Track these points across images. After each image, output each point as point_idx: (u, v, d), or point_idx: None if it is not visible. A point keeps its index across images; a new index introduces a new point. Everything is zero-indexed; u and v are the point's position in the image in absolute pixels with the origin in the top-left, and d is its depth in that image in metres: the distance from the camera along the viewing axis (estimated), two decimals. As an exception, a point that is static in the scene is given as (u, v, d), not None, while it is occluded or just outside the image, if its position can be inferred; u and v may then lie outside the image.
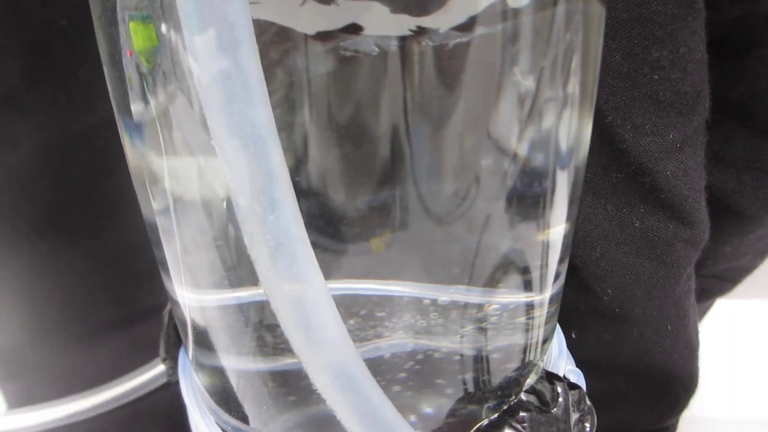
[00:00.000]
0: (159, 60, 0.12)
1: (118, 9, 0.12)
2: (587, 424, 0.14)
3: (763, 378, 0.27)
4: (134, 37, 0.12)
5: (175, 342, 0.16)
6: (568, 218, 0.14)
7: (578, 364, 0.17)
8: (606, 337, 0.19)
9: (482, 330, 0.14)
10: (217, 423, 0.14)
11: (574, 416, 0.14)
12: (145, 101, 0.13)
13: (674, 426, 0.22)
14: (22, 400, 0.21)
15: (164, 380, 0.18)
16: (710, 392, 0.27)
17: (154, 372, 0.19)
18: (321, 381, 0.12)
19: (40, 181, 0.18)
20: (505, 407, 0.13)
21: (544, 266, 0.14)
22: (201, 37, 0.10)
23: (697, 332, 0.20)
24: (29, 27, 0.15)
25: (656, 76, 0.15)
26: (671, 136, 0.16)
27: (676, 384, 0.20)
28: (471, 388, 0.14)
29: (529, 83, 0.12)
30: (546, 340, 0.15)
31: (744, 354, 0.29)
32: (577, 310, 0.19)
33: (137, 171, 0.14)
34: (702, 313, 0.27)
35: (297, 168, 0.12)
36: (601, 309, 0.19)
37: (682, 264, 0.18)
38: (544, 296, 0.14)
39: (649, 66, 0.15)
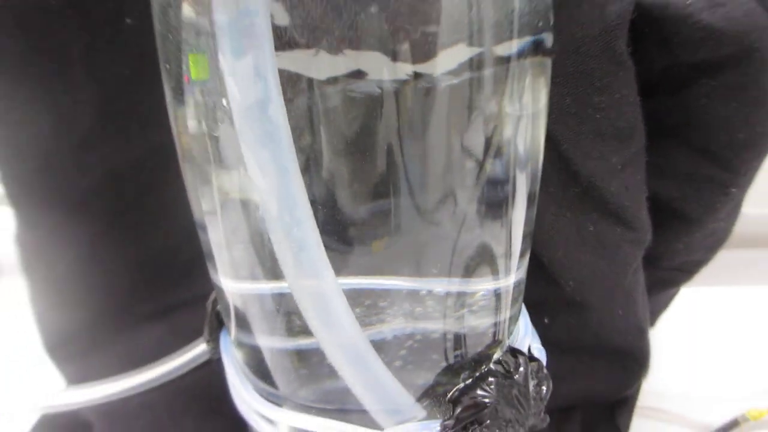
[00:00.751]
0: (210, 88, 0.15)
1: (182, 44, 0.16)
2: (543, 388, 0.17)
3: (714, 359, 0.31)
4: (192, 67, 0.16)
5: (217, 327, 0.19)
6: (527, 222, 0.17)
7: (551, 345, 0.20)
8: (571, 322, 0.23)
9: (461, 314, 0.17)
10: (254, 389, 0.18)
11: (533, 382, 0.17)
12: (198, 121, 0.16)
13: (635, 396, 0.26)
14: (79, 378, 0.25)
15: (203, 360, 0.22)
16: (666, 368, 0.30)
17: (193, 353, 0.22)
18: (334, 357, 0.16)
19: (99, 187, 0.21)
20: (477, 375, 0.17)
21: (507, 261, 0.17)
22: (235, 78, 0.13)
23: (646, 316, 0.24)
24: (100, 80, 0.18)
25: (598, 116, 0.19)
26: (614, 160, 0.20)
27: (631, 360, 0.24)
28: (451, 361, 0.17)
29: (494, 115, 0.16)
30: (512, 322, 0.18)
31: (699, 336, 0.32)
32: (547, 300, 0.22)
33: (191, 181, 0.17)
34: (669, 299, 0.31)
35: (312, 185, 0.16)
36: (566, 299, 0.22)
37: (628, 261, 0.22)
38: (508, 285, 0.17)
39: (592, 108, 0.18)
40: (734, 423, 0.28)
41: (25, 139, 0.19)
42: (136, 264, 0.23)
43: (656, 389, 0.28)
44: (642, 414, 0.27)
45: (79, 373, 0.25)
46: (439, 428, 0.16)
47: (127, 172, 0.21)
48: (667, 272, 0.28)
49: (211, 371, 0.22)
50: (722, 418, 0.28)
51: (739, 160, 0.21)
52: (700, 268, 0.28)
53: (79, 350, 0.25)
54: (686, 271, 0.28)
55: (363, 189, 0.16)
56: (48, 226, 0.21)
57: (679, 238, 0.24)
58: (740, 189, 0.22)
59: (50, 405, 0.23)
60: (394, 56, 0.14)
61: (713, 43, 0.19)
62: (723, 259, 0.28)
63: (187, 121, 0.16)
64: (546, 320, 0.23)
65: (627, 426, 0.26)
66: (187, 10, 0.15)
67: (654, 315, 0.32)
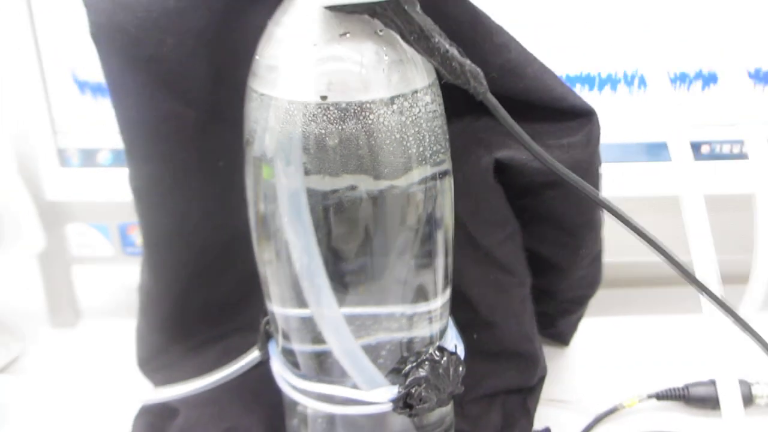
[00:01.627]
0: (270, 189, 0.28)
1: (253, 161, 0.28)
2: (460, 369, 0.30)
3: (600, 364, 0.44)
4: (264, 175, 0.28)
5: (266, 340, 0.32)
6: (445, 271, 0.30)
7: (479, 353, 0.33)
8: (487, 336, 0.35)
9: (410, 326, 0.30)
10: (289, 372, 0.30)
11: (452, 366, 0.30)
12: (266, 203, 0.29)
13: (539, 387, 0.38)
14: (163, 383, 0.37)
15: (254, 363, 0.34)
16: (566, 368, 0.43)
17: (247, 360, 0.34)
18: (338, 352, 0.28)
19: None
20: (419, 361, 0.29)
21: (434, 293, 0.30)
22: (285, 179, 0.26)
23: (534, 330, 0.36)
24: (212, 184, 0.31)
25: (485, 213, 0.32)
26: (499, 236, 0.33)
27: (527, 360, 0.36)
28: (405, 354, 0.30)
29: (423, 208, 0.28)
30: (442, 331, 0.31)
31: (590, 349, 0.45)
32: (473, 322, 0.35)
33: (257, 245, 0.30)
34: (575, 323, 0.44)
35: (324, 250, 0.28)
36: (483, 320, 0.35)
37: (516, 295, 0.34)
38: (436, 308, 0.30)
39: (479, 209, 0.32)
40: (613, 409, 0.40)
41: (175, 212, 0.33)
42: (209, 303, 0.36)
43: (557, 382, 0.41)
44: (545, 402, 0.39)
45: (163, 380, 0.37)
46: (397, 390, 0.28)
47: (221, 240, 0.34)
48: (565, 304, 0.41)
49: (256, 375, 0.34)
50: (605, 407, 0.40)
51: (581, 234, 0.34)
52: (586, 301, 0.41)
53: (163, 363, 0.37)
54: (577, 303, 0.41)
55: (352, 252, 0.28)
56: (167, 273, 0.34)
57: (561, 281, 0.37)
58: (588, 249, 0.35)
59: (150, 398, 0.36)
60: (374, 177, 0.27)
61: (541, 174, 0.32)
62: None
63: (258, 207, 0.29)
64: (474, 336, 0.35)
65: (534, 409, 0.38)
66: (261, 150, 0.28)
67: (566, 335, 0.45)
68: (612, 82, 0.42)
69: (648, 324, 0.47)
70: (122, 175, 0.42)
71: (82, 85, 0.44)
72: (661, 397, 0.40)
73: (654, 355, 0.41)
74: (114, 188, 0.45)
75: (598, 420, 0.39)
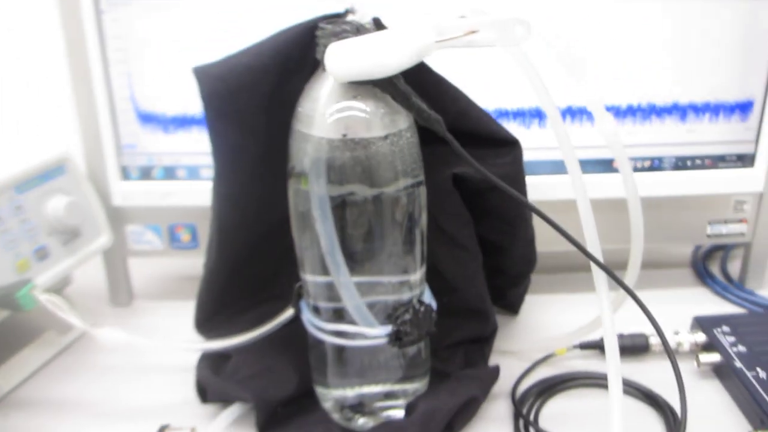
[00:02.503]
0: (306, 193, 0.42)
1: (293, 177, 0.42)
2: (433, 315, 0.44)
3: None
4: (302, 185, 0.42)
5: (298, 300, 0.45)
6: (421, 252, 0.44)
7: (447, 311, 0.47)
8: (452, 298, 0.49)
9: (401, 289, 0.43)
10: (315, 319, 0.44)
11: (428, 313, 0.44)
12: (303, 204, 0.42)
13: (492, 338, 0.52)
14: (215, 338, 0.50)
15: (290, 319, 0.47)
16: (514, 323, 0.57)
17: (284, 317, 0.47)
18: (349, 303, 0.42)
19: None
20: (405, 309, 0.43)
21: (415, 267, 0.44)
22: (316, 187, 0.40)
23: (486, 293, 0.50)
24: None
25: (448, 210, 0.46)
26: (459, 225, 0.47)
27: (482, 316, 0.50)
28: (395, 306, 0.43)
29: (406, 208, 0.42)
30: (421, 293, 0.45)
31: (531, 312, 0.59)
32: (442, 289, 0.48)
33: (296, 233, 0.43)
34: (522, 293, 0.58)
35: (339, 236, 0.42)
36: (449, 287, 0.49)
37: (471, 268, 0.48)
38: (416, 277, 0.44)
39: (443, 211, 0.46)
40: (548, 356, 0.54)
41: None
42: (252, 277, 0.50)
43: (507, 339, 0.55)
44: (497, 352, 0.53)
45: (215, 336, 0.50)
46: (390, 328, 0.42)
47: (265, 230, 0.47)
48: (511, 278, 0.55)
49: (286, 331, 0.47)
50: (542, 354, 0.54)
51: (515, 223, 0.49)
52: (527, 275, 0.55)
53: (217, 323, 0.51)
54: (520, 276, 0.55)
55: (359, 237, 0.42)
56: (226, 253, 0.48)
57: (506, 259, 0.52)
58: (525, 232, 0.50)
59: (209, 347, 0.49)
60: (367, 185, 0.41)
61: (484, 183, 0.46)
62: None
63: (297, 207, 0.43)
64: (444, 299, 0.49)
65: (488, 355, 0.52)
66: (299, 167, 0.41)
67: (515, 305, 0.59)
68: (540, 115, 0.57)
69: (573, 299, 0.61)
70: (171, 187, 0.57)
71: (142, 116, 0.58)
72: (583, 346, 0.54)
73: (577, 318, 0.54)
74: (164, 197, 0.59)
75: (536, 363, 0.53)
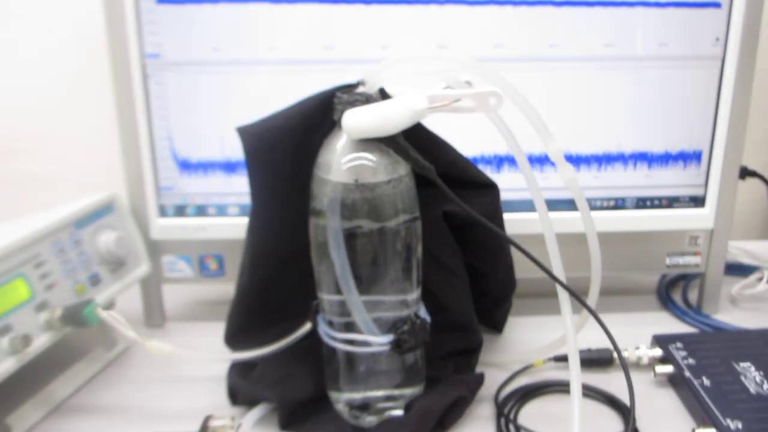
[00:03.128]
0: (323, 225, 0.51)
1: (314, 214, 0.52)
2: (427, 327, 0.53)
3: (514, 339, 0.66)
4: (321, 220, 0.52)
5: (315, 315, 0.54)
6: (417, 275, 0.53)
7: (439, 327, 0.56)
8: (443, 316, 0.58)
9: (401, 306, 0.53)
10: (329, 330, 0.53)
11: (423, 326, 0.53)
12: (321, 235, 0.52)
13: (478, 351, 0.61)
14: (243, 350, 0.59)
15: (307, 332, 0.56)
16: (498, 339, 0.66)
17: (302, 331, 0.56)
18: (358, 318, 0.51)
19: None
20: (405, 323, 0.52)
21: (412, 287, 0.53)
22: (332, 222, 0.49)
23: (472, 312, 0.59)
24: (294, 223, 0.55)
25: (439, 236, 0.56)
26: (448, 253, 0.57)
27: (469, 332, 0.59)
28: (396, 320, 0.53)
29: (406, 240, 0.52)
30: (417, 309, 0.54)
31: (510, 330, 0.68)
32: (434, 306, 0.58)
33: (315, 258, 0.53)
34: (505, 312, 0.67)
35: (351, 263, 0.51)
36: (441, 305, 0.58)
37: (459, 290, 0.57)
38: (414, 296, 0.53)
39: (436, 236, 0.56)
40: (526, 367, 0.63)
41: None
42: (276, 297, 0.59)
43: (491, 352, 0.64)
44: (482, 364, 0.62)
45: (242, 348, 0.59)
46: (392, 337, 0.51)
47: (292, 253, 0.56)
48: (495, 300, 0.65)
49: (304, 343, 0.56)
50: (521, 366, 0.63)
51: (495, 253, 0.58)
52: (509, 297, 0.65)
53: (244, 337, 0.60)
54: (503, 298, 0.65)
55: (366, 264, 0.51)
56: (256, 276, 0.57)
57: (489, 283, 0.61)
58: (504, 260, 0.59)
59: (241, 357, 0.58)
60: (373, 220, 0.51)
61: (469, 219, 0.55)
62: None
63: (317, 238, 0.52)
64: (437, 317, 0.58)
65: (475, 365, 0.61)
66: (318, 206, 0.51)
67: (499, 324, 0.68)
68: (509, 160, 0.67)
69: (550, 320, 0.70)
70: (202, 223, 0.66)
71: (180, 163, 0.68)
72: (557, 359, 0.63)
73: (553, 336, 0.63)
74: (196, 231, 0.69)
75: (516, 373, 0.62)
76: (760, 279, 0.76)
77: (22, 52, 0.89)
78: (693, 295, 0.78)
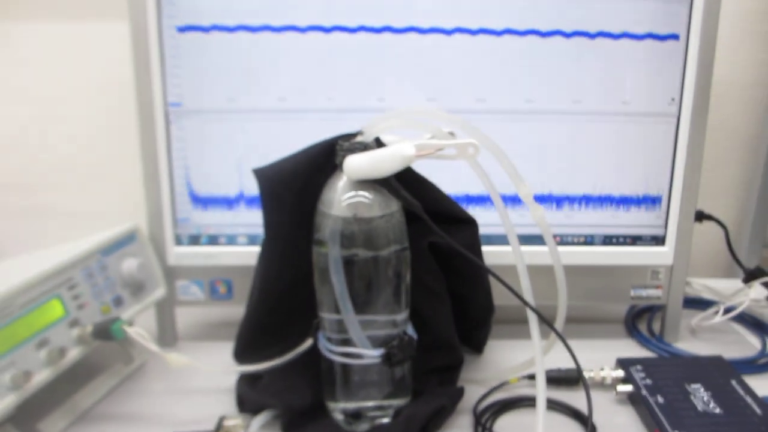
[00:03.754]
0: (325, 254, 0.60)
1: (317, 243, 0.60)
2: (414, 343, 0.61)
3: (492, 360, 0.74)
4: (323, 249, 0.60)
5: (316, 331, 0.62)
6: (406, 299, 0.61)
7: (422, 347, 0.64)
8: (428, 335, 0.66)
9: (391, 325, 0.61)
10: (328, 344, 0.61)
11: (410, 342, 0.61)
12: (323, 262, 0.60)
13: (460, 366, 0.69)
14: (251, 364, 0.67)
15: (309, 347, 0.63)
16: (477, 359, 0.74)
17: (305, 346, 0.64)
18: (354, 335, 0.59)
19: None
20: (395, 340, 0.60)
21: (401, 308, 0.61)
22: (333, 250, 0.57)
23: (454, 332, 0.67)
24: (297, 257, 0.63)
25: (425, 267, 0.64)
26: (432, 278, 0.64)
27: (451, 349, 0.67)
28: (387, 337, 0.60)
29: (395, 266, 0.60)
30: (405, 328, 0.62)
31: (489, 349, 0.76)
32: (421, 326, 0.65)
33: (317, 283, 0.61)
34: (486, 334, 0.75)
35: (347, 286, 0.59)
36: (426, 324, 0.66)
37: (442, 311, 0.66)
38: (403, 316, 0.61)
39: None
40: (502, 384, 0.71)
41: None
42: (280, 316, 0.66)
43: (471, 371, 0.71)
44: (463, 380, 0.70)
45: (250, 362, 0.67)
46: (383, 350, 0.59)
47: (297, 277, 0.64)
48: (475, 322, 0.73)
49: (305, 359, 0.64)
50: (498, 382, 0.71)
51: (475, 279, 0.66)
52: (488, 319, 0.73)
53: (251, 353, 0.67)
54: (482, 321, 0.73)
55: (362, 288, 0.59)
56: (264, 297, 0.65)
57: (469, 306, 0.69)
58: (482, 286, 0.67)
59: (249, 369, 0.65)
60: (368, 249, 0.59)
61: (451, 249, 0.63)
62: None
63: (319, 264, 0.60)
64: (422, 337, 0.66)
65: (456, 380, 0.69)
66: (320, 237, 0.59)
67: (479, 345, 0.76)
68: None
69: (526, 343, 0.78)
70: (213, 251, 0.74)
71: (194, 198, 0.76)
72: (530, 377, 0.71)
73: (526, 355, 0.71)
74: (207, 258, 0.76)
75: (493, 389, 0.70)
76: (717, 312, 0.84)
77: (56, 92, 0.98)
78: (657, 326, 0.86)
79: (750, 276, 0.88)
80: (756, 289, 0.86)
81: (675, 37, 0.73)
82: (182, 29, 0.71)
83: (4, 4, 0.95)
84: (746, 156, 1.03)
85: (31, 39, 0.96)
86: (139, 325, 0.75)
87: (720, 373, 0.70)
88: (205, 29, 0.71)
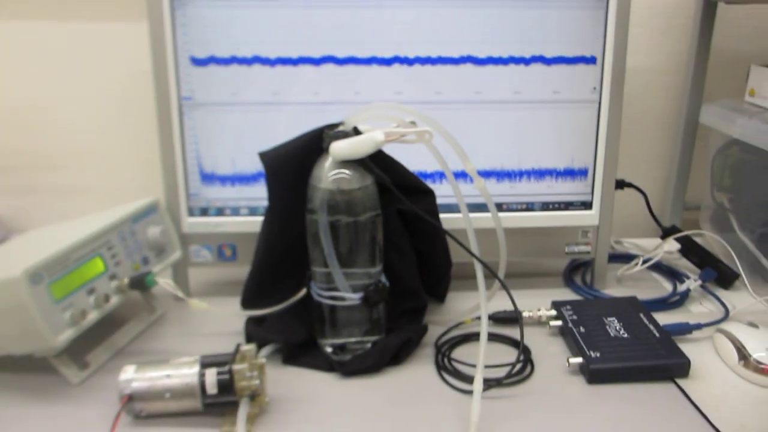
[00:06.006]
0: (316, 220, 0.76)
1: (309, 211, 0.76)
2: (387, 288, 0.78)
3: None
4: (314, 216, 0.76)
5: (309, 281, 0.78)
6: (380, 255, 0.78)
7: (393, 295, 0.81)
8: (398, 285, 0.82)
9: (368, 275, 0.77)
10: (318, 289, 0.77)
11: (384, 288, 0.77)
12: (314, 227, 0.76)
13: (424, 309, 0.86)
14: (256, 309, 0.83)
15: (304, 295, 0.79)
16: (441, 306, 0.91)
17: (301, 294, 0.80)
18: (338, 285, 0.75)
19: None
20: (371, 285, 0.76)
21: (376, 263, 0.77)
22: (321, 217, 0.74)
23: (419, 282, 0.84)
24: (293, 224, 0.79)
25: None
26: (401, 238, 0.81)
27: (418, 294, 0.84)
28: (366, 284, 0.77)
29: (371, 231, 0.76)
30: (379, 278, 0.78)
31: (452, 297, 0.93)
32: (392, 276, 0.82)
33: (309, 243, 0.77)
34: (447, 284, 0.92)
35: (333, 244, 0.75)
36: (396, 275, 0.82)
37: (409, 264, 0.82)
38: (377, 269, 0.78)
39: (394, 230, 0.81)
40: (459, 323, 0.88)
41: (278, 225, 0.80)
42: (282, 269, 0.82)
43: (433, 314, 0.89)
44: (427, 320, 0.87)
45: (255, 308, 0.83)
46: (362, 294, 0.76)
47: (295, 238, 0.80)
48: (436, 274, 0.89)
49: (300, 305, 0.80)
50: (455, 322, 0.88)
51: (435, 238, 0.83)
52: (447, 272, 0.90)
53: (256, 300, 0.83)
54: (443, 273, 0.90)
55: (345, 246, 0.75)
56: (267, 252, 0.81)
57: (430, 261, 0.86)
58: (441, 244, 0.84)
59: (255, 313, 0.82)
60: (349, 215, 0.75)
61: (415, 215, 0.80)
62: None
63: (311, 228, 0.77)
64: (392, 285, 0.82)
65: (422, 321, 0.86)
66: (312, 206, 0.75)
67: (441, 295, 0.93)
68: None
69: (475, 294, 0.96)
70: (220, 221, 0.90)
71: (203, 176, 0.92)
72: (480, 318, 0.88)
73: (474, 302, 0.88)
74: (216, 227, 0.92)
75: (451, 327, 0.87)
76: (637, 264, 1.02)
77: (81, 85, 1.13)
78: (589, 277, 1.03)
79: (666, 233, 1.06)
80: (670, 243, 1.04)
81: (593, 60, 0.90)
82: (196, 61, 0.86)
83: (40, 6, 1.09)
84: (668, 134, 1.20)
85: (62, 37, 1.11)
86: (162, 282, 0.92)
87: (632, 309, 0.88)
88: (218, 61, 0.86)
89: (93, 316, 0.76)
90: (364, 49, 0.88)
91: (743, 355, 0.77)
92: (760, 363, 0.76)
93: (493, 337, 0.85)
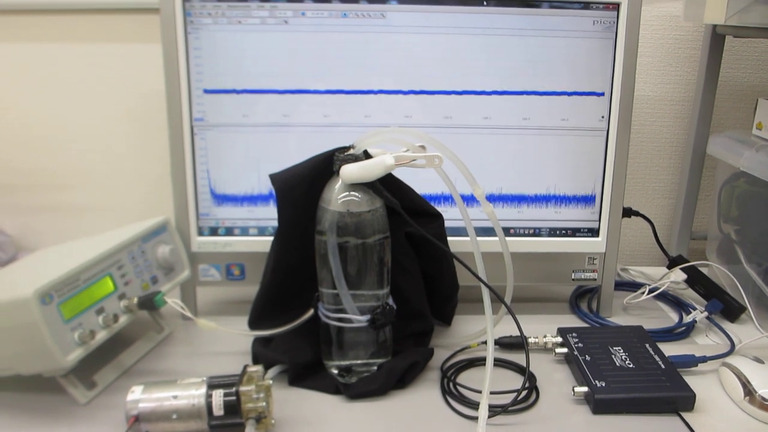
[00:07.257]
0: (324, 242, 0.76)
1: (318, 233, 0.77)
2: (394, 311, 0.78)
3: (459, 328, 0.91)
4: (323, 237, 0.77)
5: (316, 303, 0.79)
6: (388, 277, 0.78)
7: (400, 317, 0.81)
8: (405, 307, 0.82)
9: (376, 298, 0.77)
10: (326, 311, 0.77)
11: (390, 310, 0.78)
12: (323, 248, 0.77)
13: (431, 333, 0.86)
14: (264, 330, 0.83)
15: (311, 316, 0.80)
16: (447, 329, 0.91)
17: (308, 315, 0.80)
18: (347, 307, 0.76)
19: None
20: (378, 308, 0.77)
21: (385, 284, 0.78)
22: (331, 238, 0.74)
23: (426, 305, 0.84)
24: (302, 247, 0.79)
25: (402, 252, 0.81)
26: (409, 260, 0.81)
27: (425, 318, 0.84)
28: (372, 306, 0.77)
29: (379, 253, 0.77)
30: (387, 300, 0.79)
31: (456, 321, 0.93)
32: (399, 299, 0.82)
33: (318, 265, 0.78)
34: (453, 307, 0.92)
35: (342, 266, 0.76)
36: (403, 298, 0.82)
37: (416, 287, 0.82)
38: (385, 291, 0.78)
39: (401, 253, 0.81)
40: (465, 348, 0.88)
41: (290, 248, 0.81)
42: (289, 290, 0.83)
43: (435, 337, 0.89)
44: (433, 343, 0.87)
45: (262, 329, 0.83)
46: (369, 316, 0.76)
47: (304, 259, 0.80)
48: (443, 297, 0.90)
49: (307, 326, 0.81)
50: (461, 346, 0.88)
51: (442, 262, 0.83)
52: (454, 295, 0.90)
53: (263, 321, 0.84)
54: (449, 297, 0.90)
55: (354, 268, 0.76)
56: (275, 274, 0.81)
57: (438, 284, 0.86)
58: (448, 268, 0.84)
59: (263, 333, 0.82)
60: (358, 237, 0.75)
61: (423, 238, 0.80)
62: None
63: (320, 249, 0.77)
64: (399, 307, 0.83)
65: (428, 343, 0.86)
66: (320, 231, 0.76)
67: (448, 318, 0.93)
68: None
69: (482, 318, 0.96)
70: (229, 240, 0.91)
71: (214, 196, 0.92)
72: (486, 343, 0.88)
73: (484, 326, 0.88)
74: (224, 246, 0.93)
75: (457, 351, 0.87)
76: (643, 292, 1.02)
77: (93, 104, 1.15)
78: (595, 304, 1.03)
79: (672, 263, 1.06)
80: (676, 273, 1.04)
81: (600, 94, 0.91)
82: (207, 91, 0.88)
83: (52, 28, 1.11)
84: (675, 163, 1.21)
85: (73, 58, 1.12)
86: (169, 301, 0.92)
87: (638, 339, 0.88)
88: (226, 91, 0.88)
89: (101, 336, 0.76)
90: (372, 81, 0.89)
91: (749, 390, 0.77)
92: (766, 400, 0.75)
93: (498, 363, 0.85)
